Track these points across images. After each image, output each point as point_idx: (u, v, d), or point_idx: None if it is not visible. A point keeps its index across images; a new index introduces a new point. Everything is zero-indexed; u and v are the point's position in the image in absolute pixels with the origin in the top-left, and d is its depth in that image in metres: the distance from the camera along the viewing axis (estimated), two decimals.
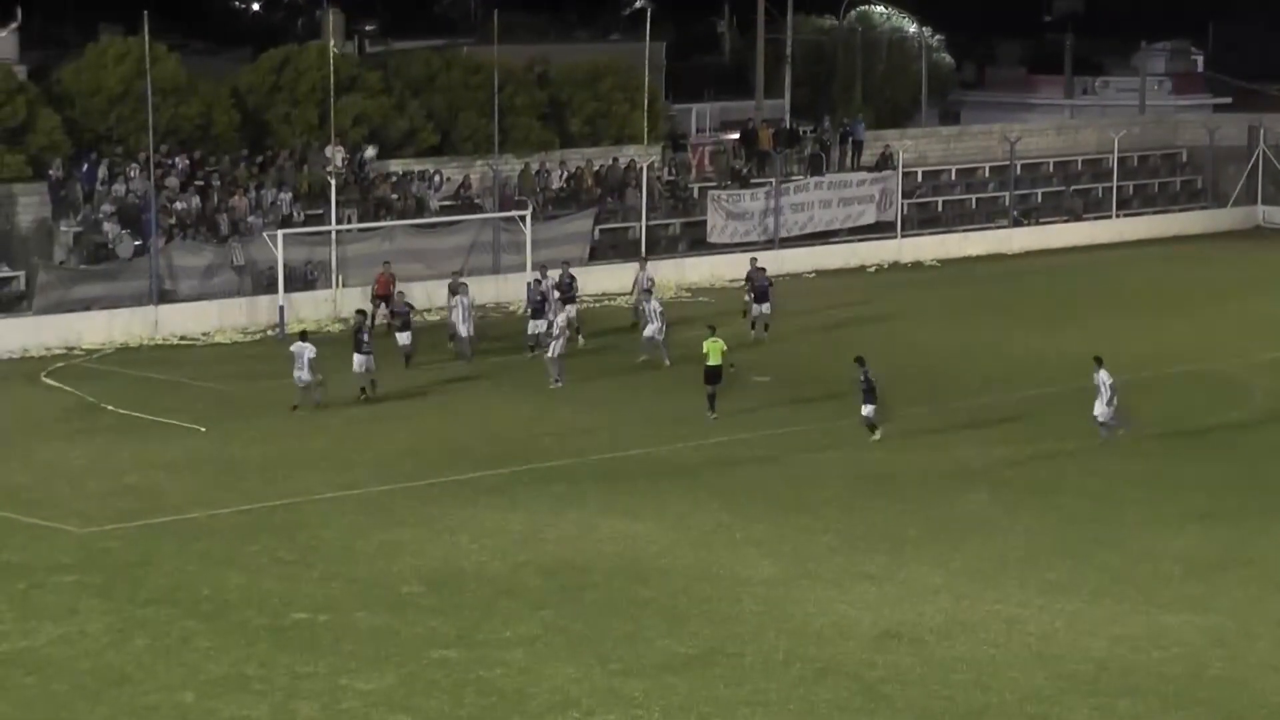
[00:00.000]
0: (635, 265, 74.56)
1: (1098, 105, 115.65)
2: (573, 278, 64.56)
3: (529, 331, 61.50)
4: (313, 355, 53.88)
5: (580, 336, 62.23)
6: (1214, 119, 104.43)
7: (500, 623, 37.17)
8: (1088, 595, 38.61)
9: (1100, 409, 50.03)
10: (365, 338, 56.49)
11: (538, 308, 61.53)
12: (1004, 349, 62.42)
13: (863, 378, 50.33)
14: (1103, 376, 49.89)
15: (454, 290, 62.53)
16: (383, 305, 65.25)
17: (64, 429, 53.27)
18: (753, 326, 62.93)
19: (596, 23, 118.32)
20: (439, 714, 32.67)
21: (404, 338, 60.48)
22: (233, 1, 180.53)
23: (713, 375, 53.21)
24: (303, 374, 53.86)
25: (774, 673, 34.50)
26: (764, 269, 65.96)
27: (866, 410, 50.44)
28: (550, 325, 59.49)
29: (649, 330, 60.04)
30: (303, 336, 55.28)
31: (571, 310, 62.04)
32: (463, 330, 60.28)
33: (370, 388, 55.68)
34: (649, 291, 62.82)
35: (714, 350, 53.09)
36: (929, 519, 43.80)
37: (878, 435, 50.45)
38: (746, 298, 64.81)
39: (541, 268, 65.60)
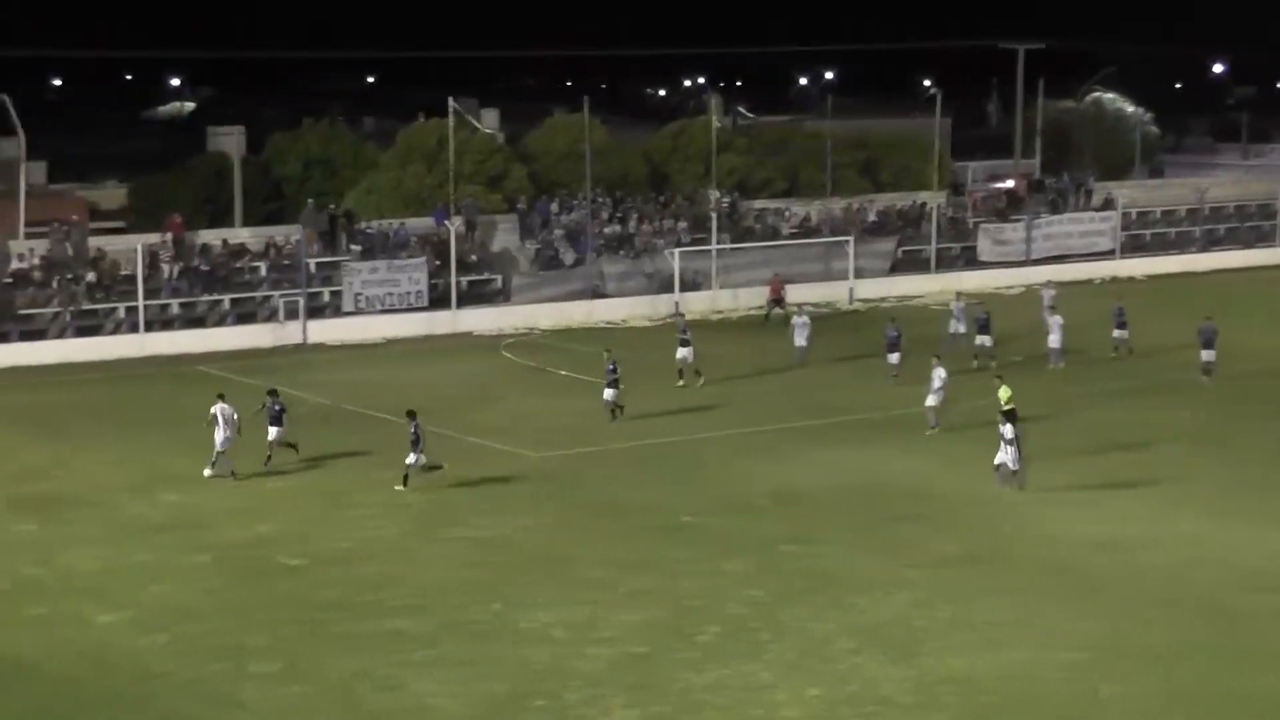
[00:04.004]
0: (926, 276, 74.43)
1: (1266, 164, 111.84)
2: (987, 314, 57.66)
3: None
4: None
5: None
6: None
7: (822, 526, 37.16)
8: (1249, 521, 37.56)
9: (1004, 457, 39.83)
10: (686, 336, 53.18)
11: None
12: (1190, 339, 60.37)
13: (412, 429, 39.78)
14: (1008, 430, 39.81)
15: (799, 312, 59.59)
16: (775, 306, 65.39)
17: (524, 385, 54.14)
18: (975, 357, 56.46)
19: (901, 104, 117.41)
20: (780, 589, 32.77)
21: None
22: (645, 89, 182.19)
23: (1010, 416, 41.33)
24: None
25: (1015, 568, 34.12)
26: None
27: (410, 459, 39.83)
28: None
29: (1052, 340, 55.86)
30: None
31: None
32: (798, 341, 56.97)
33: (686, 372, 52.75)
34: (1052, 308, 58.89)
35: (1005, 395, 43.57)
36: (1134, 462, 42.87)
37: (401, 488, 39.78)
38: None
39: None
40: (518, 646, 29.68)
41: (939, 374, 46.39)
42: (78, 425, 47.77)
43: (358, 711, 27.02)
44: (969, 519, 37.69)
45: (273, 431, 42.23)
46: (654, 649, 29.51)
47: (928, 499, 39.33)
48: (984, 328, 56.65)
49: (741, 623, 30.84)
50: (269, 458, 42.17)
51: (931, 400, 46.28)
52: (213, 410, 41.13)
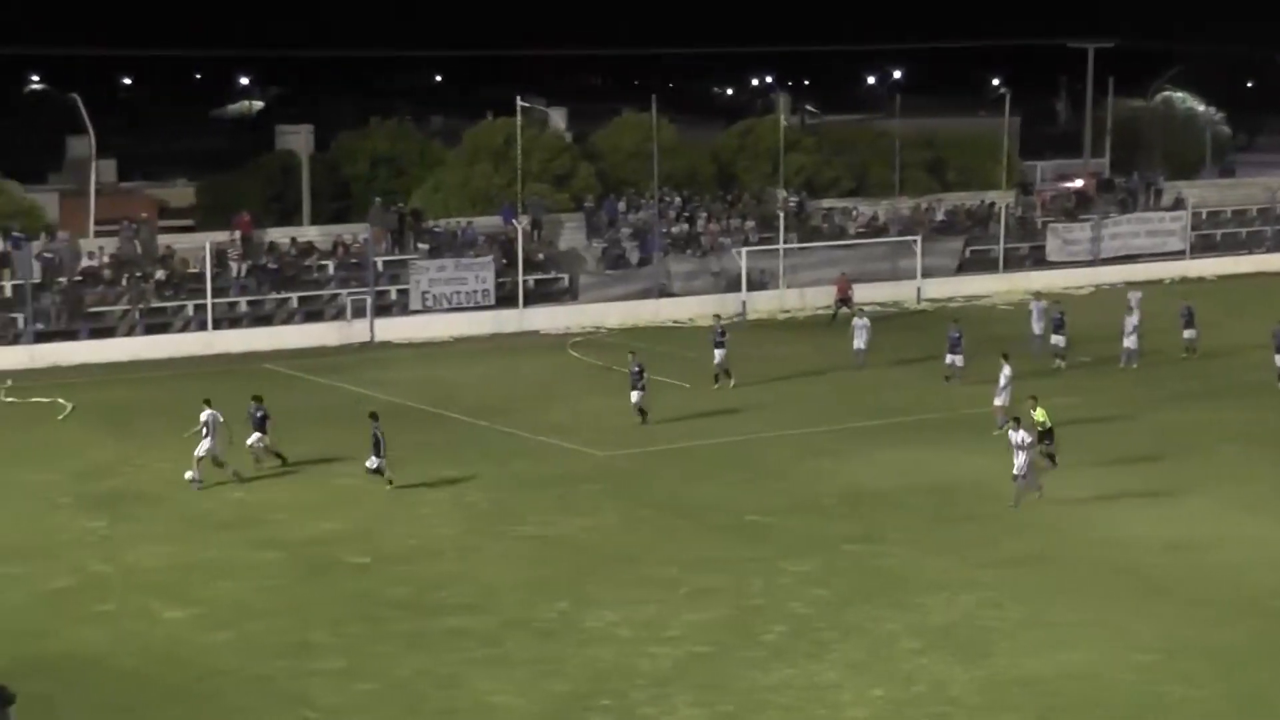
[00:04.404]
0: (993, 276, 73.99)
1: None
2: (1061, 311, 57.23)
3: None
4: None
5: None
6: None
7: (890, 526, 37.01)
8: None
9: (1017, 465, 38.22)
10: (722, 339, 52.84)
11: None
12: (1263, 339, 59.64)
13: (374, 433, 39.73)
14: (1018, 436, 38.37)
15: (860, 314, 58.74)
16: (842, 306, 65.14)
17: (590, 384, 54.08)
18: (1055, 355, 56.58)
19: (970, 103, 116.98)
20: (847, 589, 32.65)
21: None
22: (713, 88, 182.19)
23: (1047, 434, 40.96)
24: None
25: (1084, 569, 33.86)
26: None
27: (370, 463, 39.87)
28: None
29: (1128, 341, 55.88)
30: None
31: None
32: (857, 344, 56.25)
33: (724, 376, 52.56)
34: (1131, 309, 57.62)
35: (1041, 415, 40.96)
36: (1200, 464, 42.51)
37: (390, 486, 39.93)
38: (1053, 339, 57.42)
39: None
40: (582, 645, 29.68)
41: (1005, 372, 46.15)
42: (146, 422, 48.07)
43: (421, 709, 27.08)
44: (1035, 519, 37.44)
45: (254, 437, 41.85)
46: (719, 648, 29.45)
47: (994, 499, 39.06)
48: (1059, 327, 56.54)
49: (807, 622, 30.74)
50: (256, 460, 41.84)
51: (1000, 400, 45.98)
52: (202, 417, 40.51)
